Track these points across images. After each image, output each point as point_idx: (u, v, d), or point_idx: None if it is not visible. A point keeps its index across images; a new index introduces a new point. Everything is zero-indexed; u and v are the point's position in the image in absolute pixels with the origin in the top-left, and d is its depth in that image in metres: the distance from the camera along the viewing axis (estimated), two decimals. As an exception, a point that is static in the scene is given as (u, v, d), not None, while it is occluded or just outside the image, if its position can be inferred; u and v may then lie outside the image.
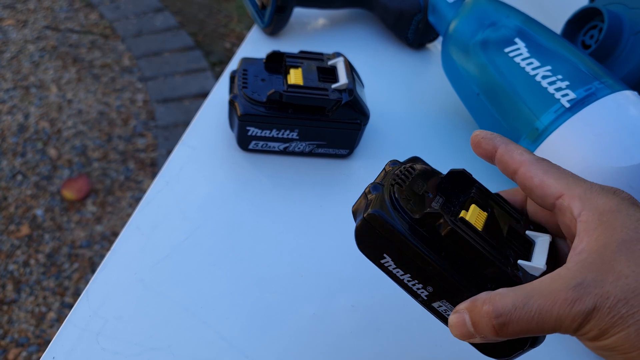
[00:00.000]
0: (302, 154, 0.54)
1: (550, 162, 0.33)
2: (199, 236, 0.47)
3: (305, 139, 0.53)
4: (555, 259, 0.33)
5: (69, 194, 1.57)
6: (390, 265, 0.32)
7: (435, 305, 0.33)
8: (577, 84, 0.49)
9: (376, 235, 0.32)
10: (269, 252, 0.47)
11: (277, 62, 0.54)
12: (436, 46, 0.73)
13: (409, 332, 0.43)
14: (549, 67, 0.50)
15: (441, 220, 0.30)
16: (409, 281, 0.32)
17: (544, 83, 0.50)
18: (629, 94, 0.48)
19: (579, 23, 0.61)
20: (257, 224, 0.48)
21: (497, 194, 0.35)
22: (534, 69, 0.51)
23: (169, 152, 1.71)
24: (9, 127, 1.72)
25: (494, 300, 0.28)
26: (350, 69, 0.54)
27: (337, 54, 0.55)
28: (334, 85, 0.51)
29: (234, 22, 2.31)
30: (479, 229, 0.31)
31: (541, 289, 0.28)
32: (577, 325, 0.27)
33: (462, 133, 0.61)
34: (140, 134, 1.79)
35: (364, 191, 0.34)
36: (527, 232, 0.34)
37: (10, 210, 1.51)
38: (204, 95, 1.95)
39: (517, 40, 0.53)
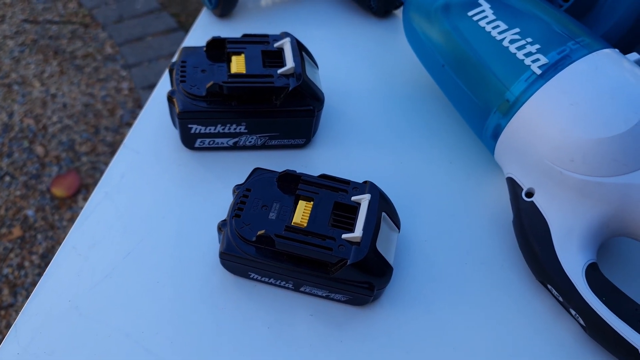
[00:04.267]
0: (254, 147, 0.50)
1: None
2: (141, 251, 0.43)
3: (254, 131, 0.48)
4: None
5: (58, 191, 1.53)
6: (257, 278, 0.40)
7: (302, 289, 0.40)
8: (549, 46, 0.44)
9: (234, 263, 0.39)
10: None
11: (220, 50, 0.49)
12: (405, 12, 0.67)
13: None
14: (517, 30, 0.45)
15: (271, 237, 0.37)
16: (274, 282, 0.40)
17: (512, 48, 0.44)
18: (608, 52, 0.43)
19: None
20: (205, 231, 0.44)
21: (322, 175, 0.41)
22: (500, 32, 0.46)
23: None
24: (-7, 128, 1.68)
25: None
26: (300, 50, 0.49)
27: (285, 34, 0.50)
28: (280, 71, 0.46)
29: (216, -2, 2.23)
30: (304, 226, 0.38)
31: None
32: None
33: (433, 109, 0.56)
34: (127, 124, 1.74)
35: (218, 225, 0.40)
36: (353, 197, 0.40)
37: (1, 213, 1.48)
38: (190, 77, 1.89)
39: (481, 1, 0.48)
